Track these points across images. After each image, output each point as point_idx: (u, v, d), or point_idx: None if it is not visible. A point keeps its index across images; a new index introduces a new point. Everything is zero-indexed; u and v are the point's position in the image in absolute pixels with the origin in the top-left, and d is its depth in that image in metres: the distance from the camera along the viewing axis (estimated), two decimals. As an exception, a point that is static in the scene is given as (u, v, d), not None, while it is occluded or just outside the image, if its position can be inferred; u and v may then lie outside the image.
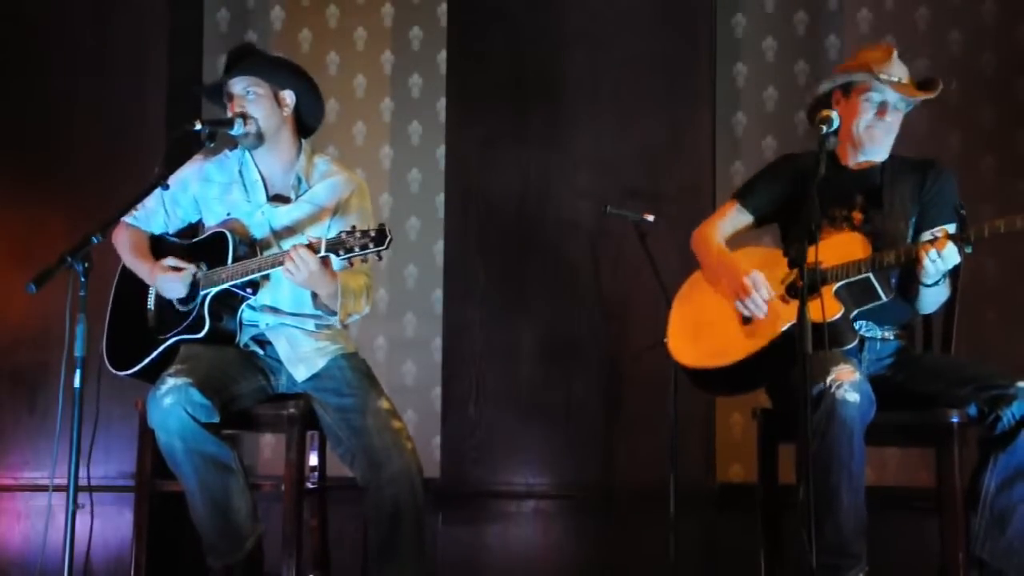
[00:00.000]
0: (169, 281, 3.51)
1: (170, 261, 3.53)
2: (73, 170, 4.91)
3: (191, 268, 3.50)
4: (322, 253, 3.25)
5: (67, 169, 4.92)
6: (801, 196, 3.12)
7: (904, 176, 3.41)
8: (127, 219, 3.67)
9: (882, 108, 3.37)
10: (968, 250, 3.13)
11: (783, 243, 3.52)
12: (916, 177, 3.40)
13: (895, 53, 3.39)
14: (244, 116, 3.51)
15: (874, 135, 3.39)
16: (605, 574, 4.55)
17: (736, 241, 3.57)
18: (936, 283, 3.20)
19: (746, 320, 3.36)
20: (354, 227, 3.25)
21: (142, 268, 3.61)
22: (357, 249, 3.21)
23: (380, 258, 3.28)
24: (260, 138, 3.55)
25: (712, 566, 4.46)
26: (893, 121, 3.39)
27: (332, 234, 3.37)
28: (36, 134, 4.97)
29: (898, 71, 3.37)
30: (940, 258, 3.09)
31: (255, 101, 3.53)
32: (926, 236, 3.25)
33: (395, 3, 5.25)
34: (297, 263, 3.25)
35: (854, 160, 3.46)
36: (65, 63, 4.98)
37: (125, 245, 3.67)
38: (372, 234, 3.20)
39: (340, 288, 3.38)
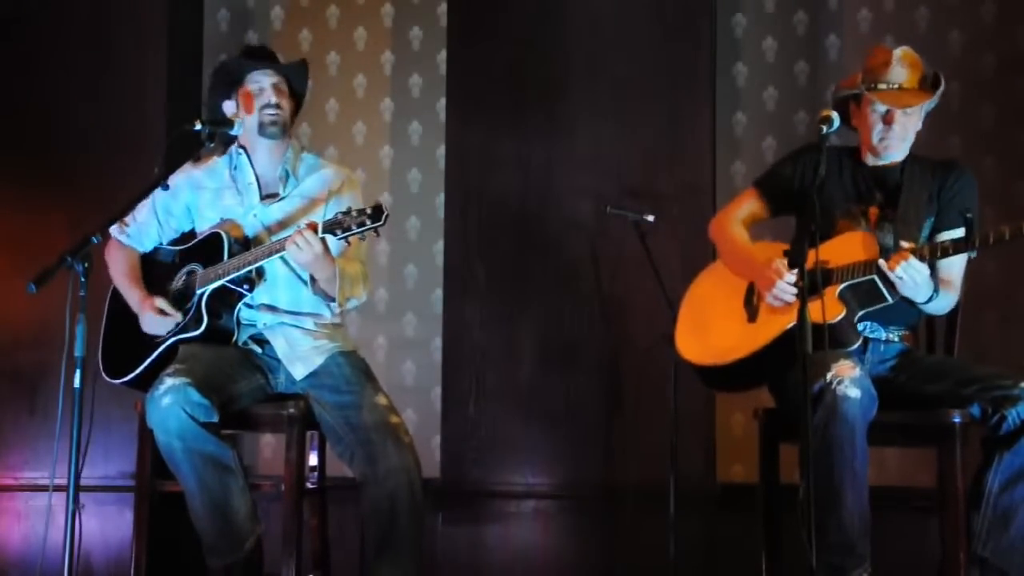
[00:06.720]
0: (153, 322, 3.53)
1: (160, 303, 3.52)
2: (73, 170, 4.90)
3: (177, 316, 3.50)
4: (320, 235, 3.27)
5: (67, 169, 4.91)
6: (816, 188, 3.13)
7: (924, 176, 3.39)
8: (120, 237, 3.69)
9: (887, 116, 3.36)
10: (972, 255, 3.20)
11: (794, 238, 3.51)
12: (936, 179, 3.39)
13: (895, 55, 3.35)
14: (278, 105, 3.55)
15: (888, 144, 3.38)
16: (605, 574, 4.55)
17: (753, 231, 3.57)
18: (929, 299, 3.23)
19: (751, 318, 3.36)
20: (350, 208, 3.28)
21: (132, 296, 3.61)
22: (355, 227, 3.23)
23: (378, 234, 3.29)
24: (285, 128, 3.59)
25: (712, 566, 4.45)
26: (905, 125, 3.36)
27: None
28: (36, 134, 4.96)
29: (897, 75, 3.34)
30: (905, 274, 3.11)
31: (284, 95, 3.59)
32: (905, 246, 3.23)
33: (395, 3, 5.25)
34: (300, 245, 3.28)
35: (874, 160, 3.45)
36: (65, 63, 4.97)
37: (119, 268, 3.67)
38: (368, 211, 3.23)
39: (338, 272, 3.39)
